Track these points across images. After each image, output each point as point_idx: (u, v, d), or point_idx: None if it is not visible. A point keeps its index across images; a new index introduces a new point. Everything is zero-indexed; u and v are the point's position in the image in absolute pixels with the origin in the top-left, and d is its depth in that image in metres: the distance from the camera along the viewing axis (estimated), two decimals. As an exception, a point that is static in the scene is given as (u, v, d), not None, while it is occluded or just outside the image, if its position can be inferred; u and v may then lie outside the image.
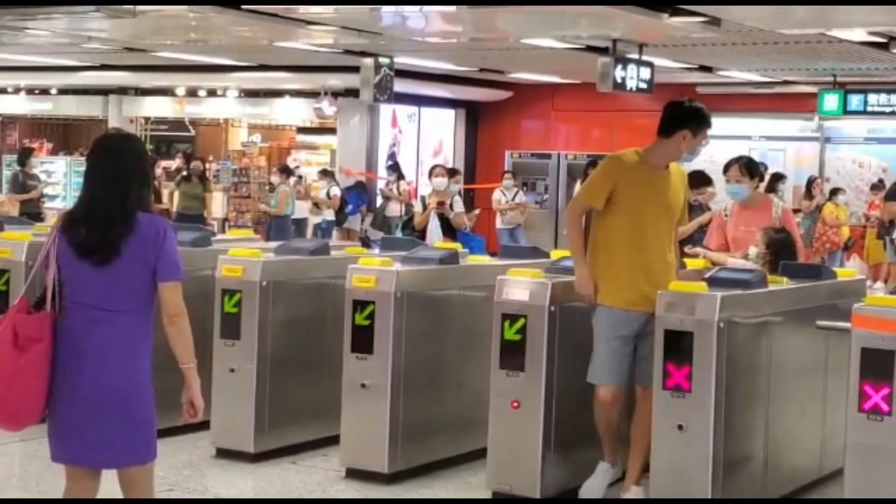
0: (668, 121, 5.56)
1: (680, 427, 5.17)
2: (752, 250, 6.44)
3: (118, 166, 3.87)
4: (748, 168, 7.00)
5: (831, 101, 15.78)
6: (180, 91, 19.87)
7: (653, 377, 5.26)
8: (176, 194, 16.45)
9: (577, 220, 5.63)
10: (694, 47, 12.77)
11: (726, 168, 7.09)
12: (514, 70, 17.24)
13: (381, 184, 17.81)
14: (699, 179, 8.80)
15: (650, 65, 12.65)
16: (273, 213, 15.47)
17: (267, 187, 16.08)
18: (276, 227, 15.03)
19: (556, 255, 6.62)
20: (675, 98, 5.79)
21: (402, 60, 15.14)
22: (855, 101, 15.63)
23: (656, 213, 5.52)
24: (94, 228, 3.82)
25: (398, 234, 12.97)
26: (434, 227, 11.08)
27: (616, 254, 5.49)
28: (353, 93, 15.99)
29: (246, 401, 6.22)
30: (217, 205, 18.41)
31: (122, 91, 20.32)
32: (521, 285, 5.65)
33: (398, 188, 16.74)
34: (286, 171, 15.94)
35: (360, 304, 5.94)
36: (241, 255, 6.37)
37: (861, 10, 8.98)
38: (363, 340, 5.94)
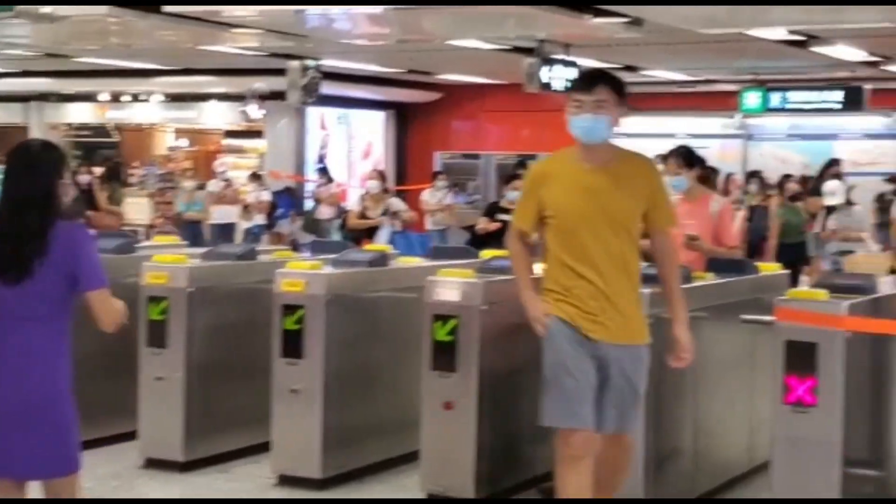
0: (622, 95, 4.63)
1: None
2: None
3: (35, 178, 3.79)
4: (686, 158, 6.66)
5: (753, 98, 16.03)
6: (103, 96, 19.61)
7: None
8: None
9: (514, 245, 4.77)
10: (618, 47, 12.88)
11: (663, 161, 6.84)
12: (443, 71, 17.26)
13: (310, 187, 17.73)
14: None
15: (575, 65, 12.74)
16: (197, 218, 15.30)
17: (188, 190, 15.84)
18: (192, 232, 14.83)
19: (486, 254, 6.63)
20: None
21: (330, 63, 15.09)
22: (776, 98, 15.88)
23: (596, 223, 4.52)
24: (7, 244, 3.75)
25: (335, 237, 12.95)
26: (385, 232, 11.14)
27: (550, 278, 4.63)
28: (279, 96, 15.91)
29: (174, 409, 6.15)
30: (142, 211, 18.19)
31: (44, 97, 20.00)
32: (452, 286, 5.66)
33: (328, 191, 16.67)
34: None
35: (289, 309, 5.90)
36: (166, 262, 6.30)
37: (780, 9, 9.11)
38: (293, 345, 5.90)
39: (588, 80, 4.60)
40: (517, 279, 4.76)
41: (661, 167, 6.11)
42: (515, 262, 4.78)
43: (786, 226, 12.52)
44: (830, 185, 12.12)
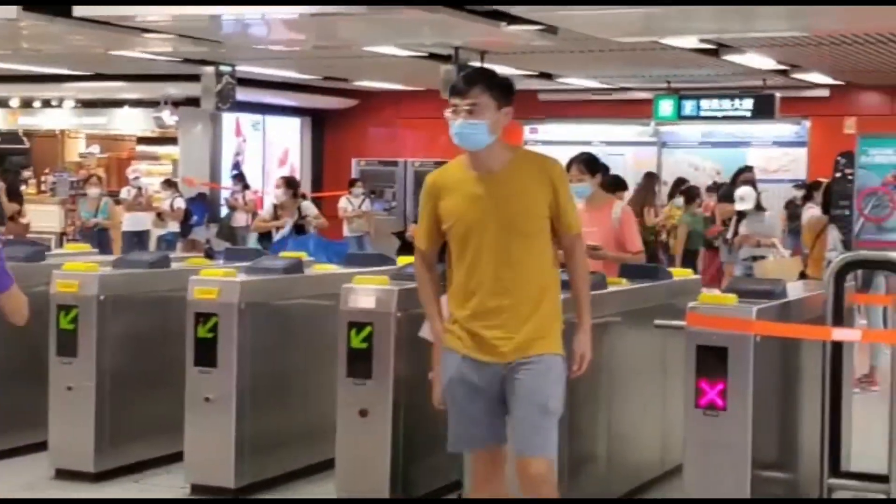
0: (503, 95, 4.29)
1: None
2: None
3: None
4: (588, 165, 6.56)
5: (666, 106, 16.24)
6: (14, 102, 19.23)
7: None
8: None
9: (418, 270, 4.45)
10: (533, 55, 12.97)
11: (567, 168, 6.84)
12: (360, 78, 17.23)
13: (225, 194, 17.57)
14: (616, 184, 8.61)
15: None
16: (104, 225, 15.06)
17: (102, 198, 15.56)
18: (100, 240, 14.59)
19: (402, 261, 6.63)
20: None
21: (245, 69, 14.97)
22: (689, 106, 16.11)
23: (488, 232, 4.18)
24: None
25: (252, 244, 12.85)
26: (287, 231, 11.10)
27: (452, 297, 4.32)
28: (194, 102, 15.74)
29: (85, 419, 6.05)
30: (53, 219, 17.89)
31: (-48, 104, 19.59)
32: (366, 293, 5.65)
33: (244, 198, 16.56)
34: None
35: (202, 317, 5.84)
36: (76, 270, 6.19)
37: (691, 17, 9.24)
38: (206, 353, 5.84)
39: (462, 83, 4.22)
40: (425, 309, 4.45)
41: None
42: (420, 290, 4.43)
43: (691, 233, 12.80)
44: (741, 191, 12.28)
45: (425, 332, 4.75)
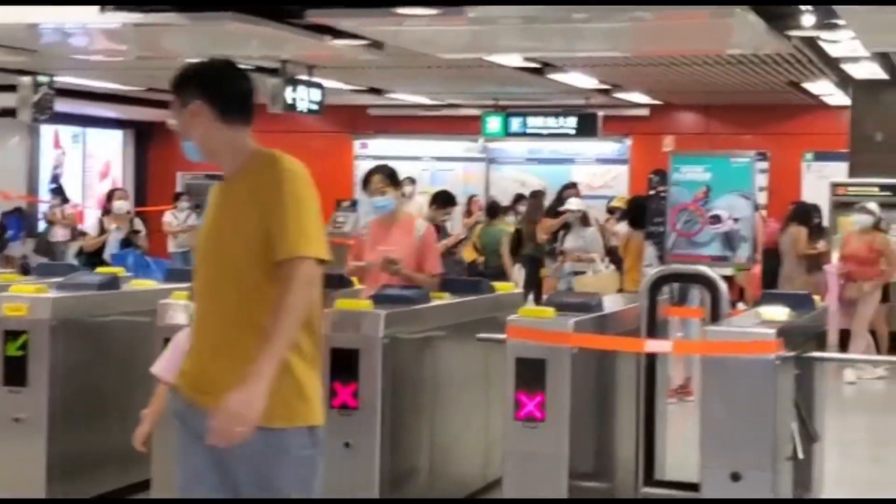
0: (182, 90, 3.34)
1: (347, 444, 5.19)
2: None
3: None
4: (391, 178, 6.23)
5: (494, 123, 16.48)
6: None
7: None
8: None
9: None
10: (362, 70, 12.99)
11: (366, 181, 6.26)
12: (184, 90, 16.92)
13: (43, 208, 17.01)
14: (445, 199, 8.56)
15: (320, 86, 12.76)
16: None
17: None
18: None
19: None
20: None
21: (65, 79, 14.52)
22: (516, 123, 16.39)
23: (207, 259, 3.29)
24: None
25: (71, 260, 12.46)
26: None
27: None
28: (10, 113, 15.18)
29: None
30: None
31: None
32: (185, 308, 5.52)
33: (63, 212, 16.04)
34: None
35: (11, 335, 5.61)
36: None
37: (516, 36, 9.40)
38: (16, 372, 5.61)
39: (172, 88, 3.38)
40: None
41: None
42: None
43: (489, 247, 12.51)
44: (569, 204, 12.46)
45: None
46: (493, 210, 13.47)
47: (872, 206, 10.87)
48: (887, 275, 10.70)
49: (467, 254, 13.09)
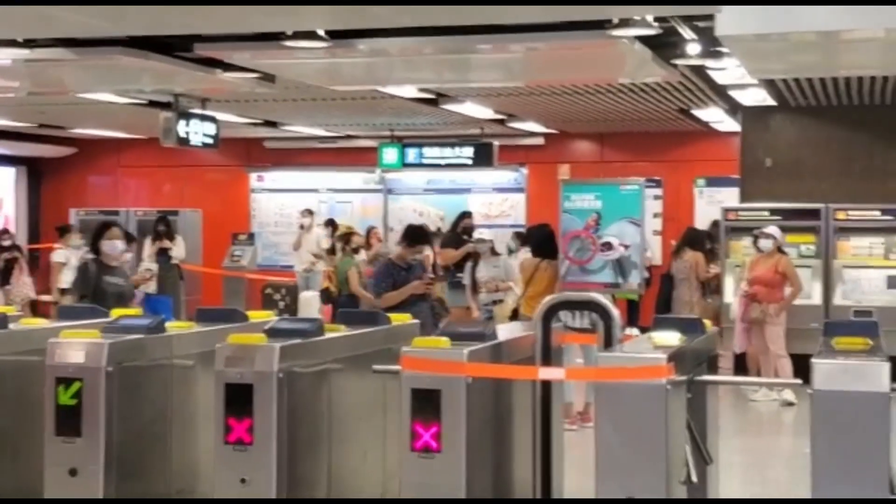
0: None
1: (243, 481, 5.14)
2: None
3: None
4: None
5: (390, 154, 16.50)
6: None
7: None
8: None
9: None
10: (256, 102, 12.93)
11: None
12: (77, 125, 16.67)
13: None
14: (417, 236, 8.62)
15: (214, 119, 12.66)
16: None
17: None
18: None
19: (115, 314, 6.42)
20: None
21: (-49, 116, 14.22)
22: (412, 154, 16.42)
23: None
24: None
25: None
26: None
27: None
28: None
29: None
30: None
31: None
32: (76, 347, 5.43)
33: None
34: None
35: None
36: None
37: (409, 67, 9.45)
38: None
39: None
40: None
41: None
42: None
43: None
44: (479, 234, 12.30)
45: None
46: (347, 240, 13.22)
47: (773, 229, 11.09)
48: (791, 296, 10.90)
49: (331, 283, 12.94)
